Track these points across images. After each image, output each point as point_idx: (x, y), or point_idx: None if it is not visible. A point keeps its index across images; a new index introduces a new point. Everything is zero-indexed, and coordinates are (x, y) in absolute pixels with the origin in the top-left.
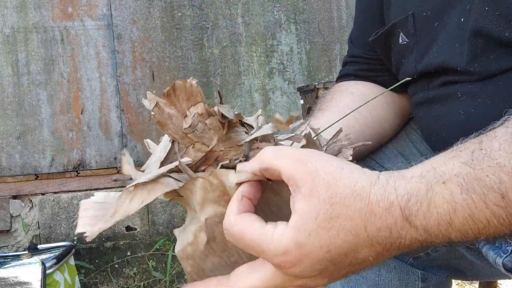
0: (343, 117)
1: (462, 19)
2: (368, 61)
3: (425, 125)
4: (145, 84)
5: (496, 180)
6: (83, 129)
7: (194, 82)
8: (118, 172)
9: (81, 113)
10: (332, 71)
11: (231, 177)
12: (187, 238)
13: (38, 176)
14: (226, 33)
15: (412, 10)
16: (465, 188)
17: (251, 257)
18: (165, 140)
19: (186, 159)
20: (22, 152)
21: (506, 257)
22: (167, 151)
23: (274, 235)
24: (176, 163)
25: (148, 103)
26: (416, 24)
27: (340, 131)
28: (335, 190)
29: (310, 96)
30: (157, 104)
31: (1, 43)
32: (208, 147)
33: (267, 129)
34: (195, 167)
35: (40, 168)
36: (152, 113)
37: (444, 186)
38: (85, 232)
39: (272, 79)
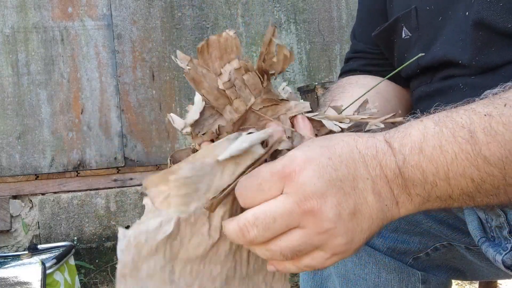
0: (364, 94)
1: (467, 13)
2: (372, 56)
3: None
4: (145, 84)
5: (467, 120)
6: (83, 129)
7: (231, 33)
8: (118, 172)
9: (81, 113)
10: (332, 71)
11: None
12: (147, 225)
13: (38, 176)
14: None
15: (415, 4)
16: (437, 122)
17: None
18: (198, 101)
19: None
20: (22, 152)
21: (505, 254)
22: (200, 110)
23: (279, 160)
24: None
25: (180, 61)
26: (419, 18)
27: (366, 101)
28: (329, 150)
29: (310, 96)
30: (191, 60)
31: (1, 43)
32: (246, 105)
33: (306, 106)
34: (233, 129)
35: (40, 168)
36: (188, 67)
37: (420, 122)
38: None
39: (272, 79)
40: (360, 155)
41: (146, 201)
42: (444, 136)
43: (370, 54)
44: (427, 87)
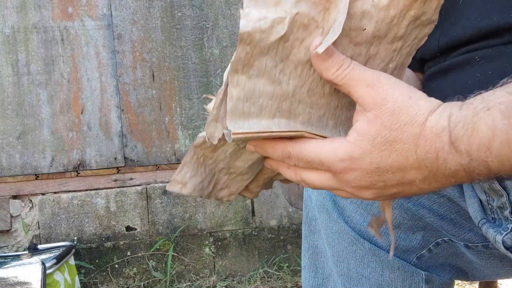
0: None
1: None
2: None
3: (437, 96)
4: (145, 84)
5: None
6: (83, 129)
7: None
8: (118, 172)
9: (81, 113)
10: None
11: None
12: (259, 24)
13: (38, 176)
14: (226, 33)
15: None
16: (506, 114)
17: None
18: None
19: None
20: (22, 152)
21: (506, 234)
22: None
23: (331, 147)
24: None
25: None
26: None
27: None
28: (398, 118)
29: None
30: None
31: (1, 43)
32: None
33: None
34: None
35: (40, 168)
36: None
37: (488, 112)
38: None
39: None
40: (416, 161)
41: None
42: None
43: None
44: (441, 65)
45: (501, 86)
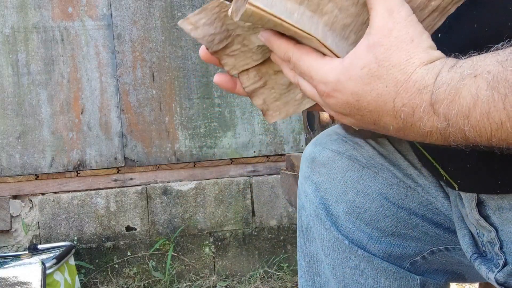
0: None
1: (439, 35)
2: None
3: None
4: (145, 84)
5: None
6: (83, 129)
7: None
8: (118, 172)
9: (81, 113)
10: None
11: None
12: None
13: (38, 176)
14: None
15: None
16: (491, 85)
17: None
18: None
19: None
20: (22, 152)
21: (498, 272)
22: None
23: (324, 66)
24: None
25: None
26: None
27: None
28: (390, 56)
29: None
30: None
31: (1, 43)
32: None
33: None
34: None
35: (40, 168)
36: None
37: (474, 79)
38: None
39: None
40: (392, 109)
41: None
42: (494, 102)
43: None
44: None
45: (493, 51)
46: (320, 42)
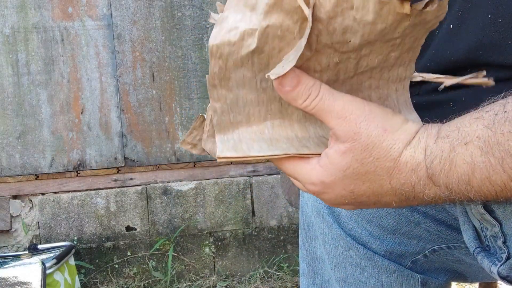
0: None
1: (451, 26)
2: None
3: None
4: (145, 84)
5: None
6: (83, 129)
7: None
8: (118, 172)
9: (81, 113)
10: None
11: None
12: (229, 35)
13: (38, 176)
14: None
15: None
16: (484, 151)
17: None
18: None
19: None
20: (22, 152)
21: (500, 265)
22: None
23: (304, 169)
24: None
25: None
26: None
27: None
28: (371, 152)
29: None
30: None
31: (1, 43)
32: None
33: None
34: None
35: (40, 168)
36: None
37: (465, 147)
38: None
39: None
40: (391, 189)
41: None
42: (492, 167)
43: None
44: (413, 98)
45: (476, 114)
46: (296, 154)
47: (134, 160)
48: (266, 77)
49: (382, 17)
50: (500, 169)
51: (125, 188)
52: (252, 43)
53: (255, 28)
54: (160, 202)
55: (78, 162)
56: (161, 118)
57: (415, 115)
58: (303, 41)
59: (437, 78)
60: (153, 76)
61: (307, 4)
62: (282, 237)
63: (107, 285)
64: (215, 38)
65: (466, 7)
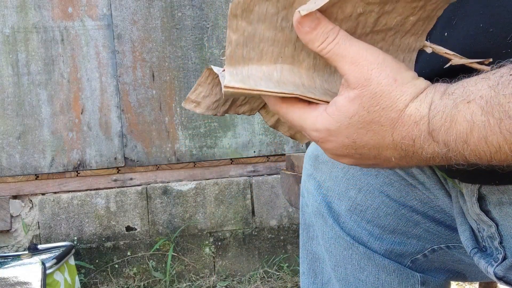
0: None
1: (446, 33)
2: None
3: None
4: (145, 84)
5: None
6: (83, 129)
7: None
8: (118, 172)
9: (81, 113)
10: None
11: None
12: None
13: (38, 176)
14: (226, 33)
15: None
16: (485, 110)
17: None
18: None
19: None
20: (22, 152)
21: (497, 266)
22: None
23: (311, 115)
24: None
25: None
26: None
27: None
28: (378, 101)
29: None
30: None
31: (1, 43)
32: None
33: None
34: None
35: (40, 168)
36: None
37: (467, 105)
38: None
39: None
40: (392, 142)
41: None
42: (490, 127)
43: None
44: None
45: (483, 75)
46: (304, 96)
47: (134, 160)
48: (297, 11)
49: None
50: (497, 130)
51: (125, 188)
52: None
53: None
54: (160, 202)
55: (78, 162)
56: (161, 118)
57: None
58: None
59: (446, 53)
60: (153, 76)
61: None
62: (282, 237)
63: (107, 285)
64: None
65: (459, 14)
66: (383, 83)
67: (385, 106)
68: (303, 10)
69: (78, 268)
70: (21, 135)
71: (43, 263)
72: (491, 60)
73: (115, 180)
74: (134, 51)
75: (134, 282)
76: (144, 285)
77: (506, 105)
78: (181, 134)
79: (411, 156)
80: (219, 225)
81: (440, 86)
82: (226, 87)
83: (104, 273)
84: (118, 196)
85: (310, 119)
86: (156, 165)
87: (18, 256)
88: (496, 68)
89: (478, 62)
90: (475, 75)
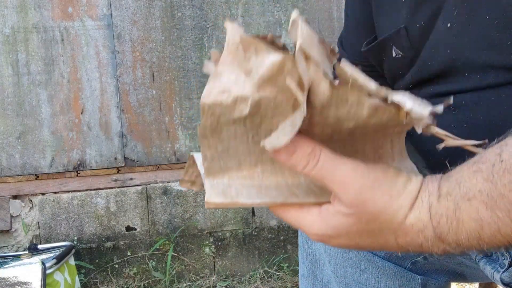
0: None
1: (449, 24)
2: (362, 68)
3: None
4: (145, 84)
5: None
6: (83, 129)
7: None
8: (118, 172)
9: (81, 113)
10: None
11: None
12: (221, 97)
13: (38, 176)
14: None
15: (404, 24)
16: (489, 205)
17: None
18: None
19: None
20: (22, 152)
21: (503, 272)
22: None
23: (306, 220)
24: None
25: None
26: (410, 37)
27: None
28: (376, 217)
29: None
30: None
31: (1, 43)
32: None
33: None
34: None
35: (40, 168)
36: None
37: (469, 203)
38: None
39: None
40: (397, 246)
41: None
42: (500, 220)
43: (359, 66)
44: None
45: (474, 167)
46: (283, 203)
47: (134, 160)
48: (261, 146)
49: (377, 115)
50: (508, 221)
51: (125, 188)
52: (244, 109)
53: (248, 96)
54: (160, 202)
55: (78, 162)
56: (161, 118)
57: (409, 163)
58: (297, 121)
59: (437, 133)
60: (153, 76)
61: (301, 87)
62: (282, 237)
63: (107, 285)
64: (208, 96)
65: (463, 7)
66: (379, 202)
67: (383, 221)
68: (268, 144)
69: (78, 268)
70: (21, 135)
71: (43, 263)
72: (487, 141)
73: (115, 180)
74: (134, 51)
75: (134, 282)
76: (144, 285)
77: (508, 195)
78: (181, 134)
79: (419, 253)
80: (219, 225)
81: (432, 186)
82: (207, 203)
83: (104, 273)
84: (118, 196)
85: (306, 223)
86: (156, 165)
87: (18, 256)
88: (482, 155)
89: (474, 145)
90: (464, 164)
